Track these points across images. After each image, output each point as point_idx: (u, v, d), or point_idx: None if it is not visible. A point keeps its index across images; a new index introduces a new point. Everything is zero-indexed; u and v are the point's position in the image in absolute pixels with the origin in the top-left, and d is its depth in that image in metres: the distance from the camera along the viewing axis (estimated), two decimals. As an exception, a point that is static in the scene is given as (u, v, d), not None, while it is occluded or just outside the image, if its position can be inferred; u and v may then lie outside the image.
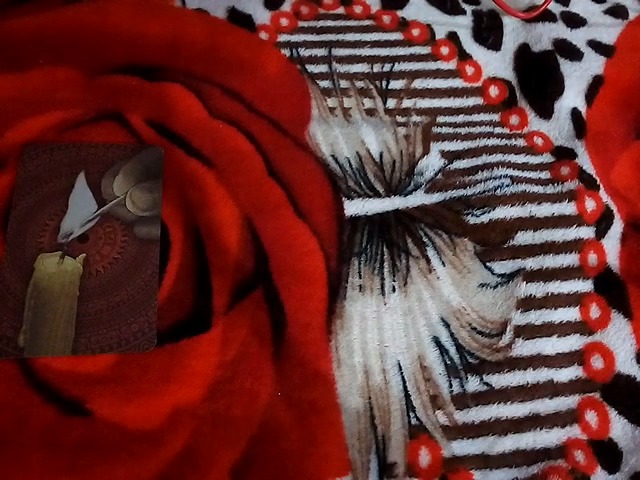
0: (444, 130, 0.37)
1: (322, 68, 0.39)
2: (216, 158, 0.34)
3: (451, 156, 0.36)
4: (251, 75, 0.37)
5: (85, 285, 0.29)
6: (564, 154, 0.37)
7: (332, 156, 0.35)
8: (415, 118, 0.37)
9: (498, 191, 0.35)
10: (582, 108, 0.39)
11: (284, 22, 0.40)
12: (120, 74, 0.36)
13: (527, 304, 0.31)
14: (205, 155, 0.34)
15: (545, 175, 0.36)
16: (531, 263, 0.33)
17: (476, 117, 0.38)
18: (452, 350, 0.30)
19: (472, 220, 0.34)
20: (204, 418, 0.27)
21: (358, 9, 0.42)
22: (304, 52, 0.39)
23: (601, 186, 0.36)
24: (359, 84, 0.38)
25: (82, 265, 0.30)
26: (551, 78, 0.40)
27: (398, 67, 0.40)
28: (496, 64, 0.41)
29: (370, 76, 0.39)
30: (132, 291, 0.29)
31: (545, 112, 0.39)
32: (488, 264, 0.33)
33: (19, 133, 0.33)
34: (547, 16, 0.43)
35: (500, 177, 0.35)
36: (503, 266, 0.33)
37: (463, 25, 0.42)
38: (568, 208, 0.35)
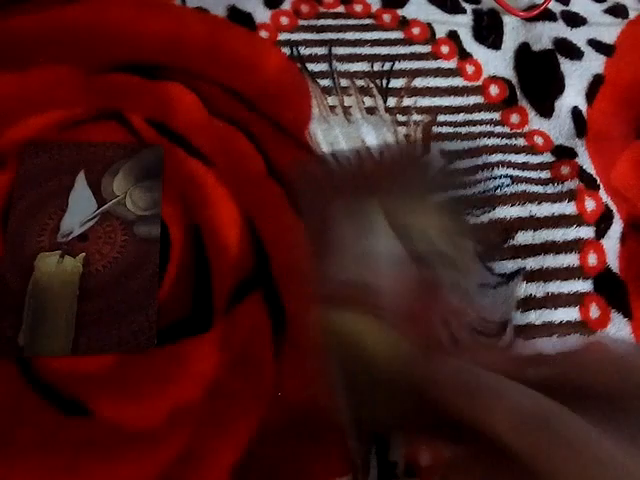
0: (444, 129, 0.37)
1: (322, 67, 0.38)
2: (216, 157, 0.34)
3: (451, 156, 0.36)
4: (251, 74, 0.37)
5: (85, 284, 0.29)
6: (564, 153, 0.37)
7: (332, 155, 0.35)
8: (416, 117, 0.37)
9: (498, 191, 0.35)
10: (583, 107, 0.39)
11: (284, 21, 0.40)
12: (120, 73, 0.36)
13: (527, 304, 0.31)
14: (205, 154, 0.34)
15: (545, 175, 0.36)
16: (531, 263, 0.33)
17: (476, 116, 0.38)
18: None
19: (472, 220, 0.34)
20: (204, 418, 0.27)
21: (358, 8, 0.42)
22: (304, 51, 0.39)
23: (601, 186, 0.36)
24: (359, 83, 0.38)
25: (82, 264, 0.30)
26: (551, 77, 0.40)
27: (398, 66, 0.39)
28: (496, 63, 0.41)
29: (370, 75, 0.39)
30: (132, 291, 0.29)
31: (545, 111, 0.39)
32: (488, 264, 0.33)
33: (19, 132, 0.33)
34: (547, 15, 0.43)
35: (500, 177, 0.35)
36: (503, 266, 0.33)
37: (463, 24, 0.42)
38: (568, 208, 0.35)
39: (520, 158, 0.36)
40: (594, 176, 0.36)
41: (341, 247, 0.21)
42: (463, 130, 0.37)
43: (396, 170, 0.24)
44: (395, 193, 0.22)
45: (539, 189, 0.35)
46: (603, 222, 0.34)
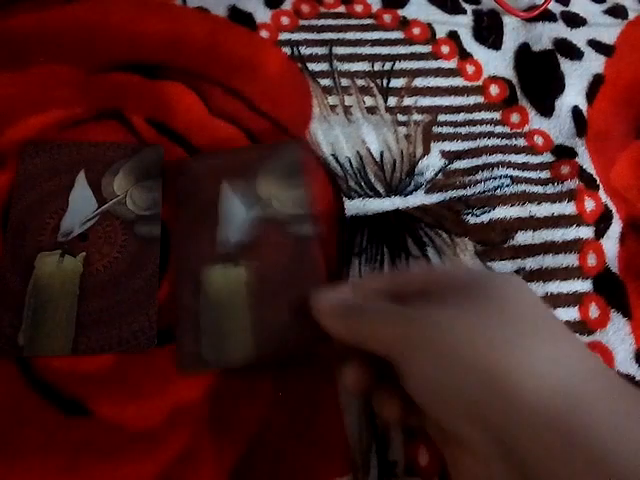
0: (445, 130, 0.37)
1: (323, 66, 0.38)
2: (216, 157, 0.34)
3: (451, 156, 0.36)
4: (252, 73, 0.37)
5: (85, 284, 0.29)
6: (564, 153, 0.37)
7: (333, 155, 0.35)
8: (416, 117, 0.37)
9: (498, 191, 0.35)
10: (583, 106, 0.39)
11: (285, 20, 0.40)
12: (120, 72, 0.36)
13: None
14: (205, 154, 0.34)
15: (545, 174, 0.36)
16: (531, 263, 0.33)
17: (477, 115, 0.38)
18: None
19: (472, 220, 0.34)
20: (204, 418, 0.27)
21: (359, 8, 0.42)
22: (305, 50, 0.39)
23: (600, 186, 0.36)
24: (360, 82, 0.38)
25: (82, 264, 0.30)
26: (551, 77, 0.40)
27: (399, 65, 0.39)
28: (496, 63, 0.41)
29: (371, 74, 0.39)
30: (132, 290, 0.29)
31: (546, 110, 0.39)
32: (488, 264, 0.33)
33: (19, 131, 0.33)
34: (547, 16, 0.43)
35: (500, 177, 0.35)
36: (503, 266, 0.33)
37: (463, 24, 0.42)
38: (568, 208, 0.35)
39: (520, 158, 0.37)
40: (594, 176, 0.36)
41: (228, 217, 0.30)
42: (463, 130, 0.37)
43: (268, 159, 0.32)
44: (267, 176, 0.31)
45: (539, 189, 0.35)
46: (602, 222, 0.35)
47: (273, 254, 0.29)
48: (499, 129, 0.38)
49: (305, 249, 0.30)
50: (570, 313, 0.32)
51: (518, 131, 0.38)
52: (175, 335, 0.28)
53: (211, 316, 0.28)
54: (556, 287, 0.32)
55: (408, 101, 0.38)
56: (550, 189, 0.35)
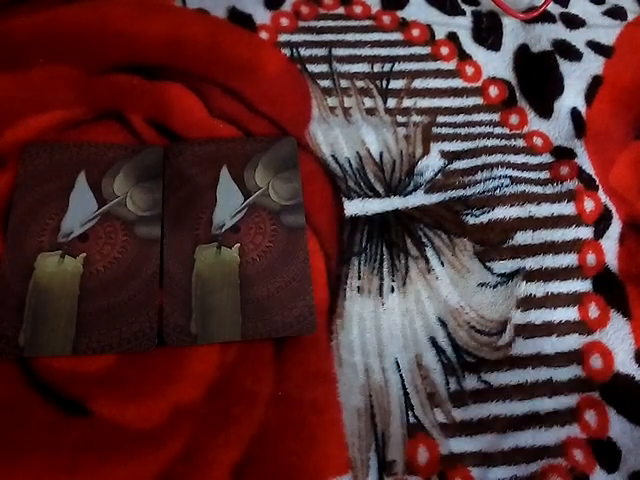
0: (444, 130, 0.37)
1: (322, 68, 0.39)
2: (216, 158, 0.34)
3: (451, 156, 0.36)
4: (251, 75, 0.37)
5: (86, 284, 0.29)
6: (563, 154, 0.37)
7: (332, 156, 0.35)
8: (415, 118, 0.37)
9: (497, 191, 0.35)
10: (582, 108, 0.39)
11: (284, 22, 0.40)
12: (120, 73, 0.36)
13: (527, 303, 0.32)
14: (205, 155, 0.34)
15: (544, 175, 0.36)
16: (530, 263, 0.33)
17: (476, 117, 0.38)
18: (449, 350, 0.30)
19: (471, 220, 0.34)
20: (204, 418, 0.27)
21: (358, 9, 0.42)
22: (304, 52, 0.39)
23: (600, 186, 0.36)
24: (359, 84, 0.38)
25: (82, 264, 0.30)
26: (551, 78, 0.40)
27: (398, 67, 0.40)
28: (496, 64, 0.41)
29: (370, 76, 0.39)
30: (133, 291, 0.29)
31: (545, 111, 0.39)
32: (487, 264, 0.33)
33: (19, 132, 0.33)
34: (546, 17, 0.43)
35: (499, 177, 0.35)
36: (502, 266, 0.33)
37: (463, 25, 0.42)
38: (567, 208, 0.35)
39: (519, 159, 0.37)
40: (593, 176, 0.36)
41: (225, 201, 0.32)
42: (462, 131, 0.37)
43: (265, 151, 0.34)
44: (264, 166, 0.33)
45: (538, 189, 0.35)
46: (602, 222, 0.35)
47: (265, 240, 0.31)
48: (498, 130, 0.38)
49: (296, 238, 0.31)
50: (570, 313, 0.32)
51: (517, 132, 0.38)
52: (163, 311, 0.29)
53: (202, 293, 0.29)
54: (556, 287, 0.32)
55: (407, 102, 0.38)
56: (549, 189, 0.35)
